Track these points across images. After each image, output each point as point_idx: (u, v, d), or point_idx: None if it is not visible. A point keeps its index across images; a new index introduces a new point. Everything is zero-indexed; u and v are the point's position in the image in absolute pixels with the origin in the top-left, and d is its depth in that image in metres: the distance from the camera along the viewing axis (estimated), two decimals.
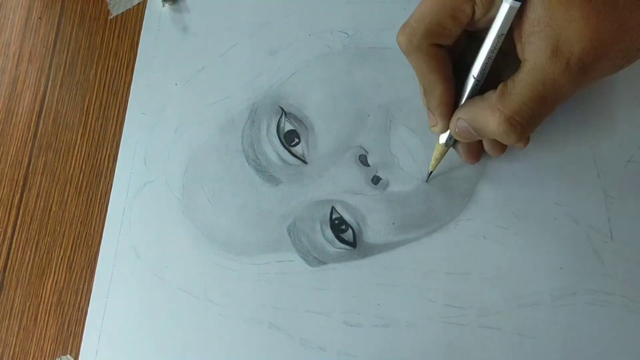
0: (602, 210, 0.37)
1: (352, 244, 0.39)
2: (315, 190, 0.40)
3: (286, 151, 0.41)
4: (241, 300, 0.40)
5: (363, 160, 0.40)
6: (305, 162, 0.41)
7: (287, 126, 0.42)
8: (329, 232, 0.39)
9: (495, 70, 0.32)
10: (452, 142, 0.36)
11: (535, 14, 0.28)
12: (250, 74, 0.44)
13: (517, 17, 0.29)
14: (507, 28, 0.29)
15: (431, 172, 0.39)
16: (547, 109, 0.29)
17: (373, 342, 0.37)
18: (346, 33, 0.43)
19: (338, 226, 0.39)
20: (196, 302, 0.40)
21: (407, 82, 0.41)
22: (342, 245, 0.39)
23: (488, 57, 0.31)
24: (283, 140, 0.41)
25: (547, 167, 0.38)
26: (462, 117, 0.32)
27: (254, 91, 0.43)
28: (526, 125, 0.30)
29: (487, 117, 0.30)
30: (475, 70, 0.32)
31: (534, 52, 0.28)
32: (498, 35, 0.30)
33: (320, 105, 0.42)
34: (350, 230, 0.39)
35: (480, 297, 0.37)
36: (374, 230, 0.39)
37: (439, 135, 0.36)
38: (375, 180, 0.40)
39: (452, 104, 0.34)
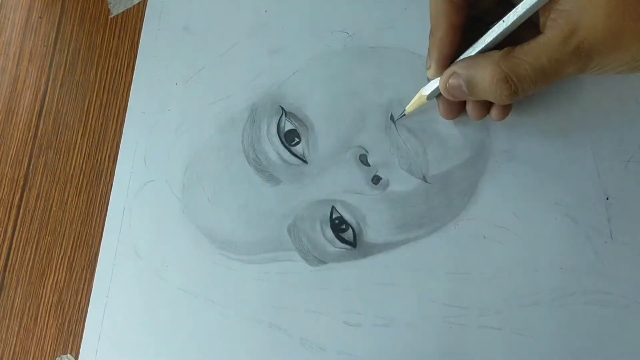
0: (602, 211, 0.37)
1: (352, 243, 0.39)
2: (316, 189, 0.40)
3: (286, 151, 0.41)
4: (241, 300, 0.40)
5: (363, 159, 0.40)
6: (305, 161, 0.41)
7: (288, 126, 0.42)
8: (329, 232, 0.39)
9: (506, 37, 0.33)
10: (433, 97, 0.37)
11: None
12: (250, 73, 0.44)
13: None
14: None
15: (403, 114, 0.39)
16: (543, 81, 0.31)
17: (373, 342, 0.37)
18: (346, 33, 0.43)
19: (338, 226, 0.39)
20: (196, 302, 0.40)
21: (407, 82, 0.41)
22: (342, 245, 0.39)
23: (523, 16, 0.31)
24: (283, 139, 0.41)
25: (547, 167, 0.38)
26: (458, 71, 0.33)
27: (254, 91, 0.43)
28: (520, 87, 0.31)
29: (485, 70, 0.31)
30: (509, 19, 0.31)
31: (551, 29, 0.29)
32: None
33: (320, 105, 0.42)
34: (350, 230, 0.39)
35: (480, 297, 0.37)
36: (374, 230, 0.39)
37: (428, 80, 0.36)
38: (376, 179, 0.40)
39: (448, 54, 0.34)
